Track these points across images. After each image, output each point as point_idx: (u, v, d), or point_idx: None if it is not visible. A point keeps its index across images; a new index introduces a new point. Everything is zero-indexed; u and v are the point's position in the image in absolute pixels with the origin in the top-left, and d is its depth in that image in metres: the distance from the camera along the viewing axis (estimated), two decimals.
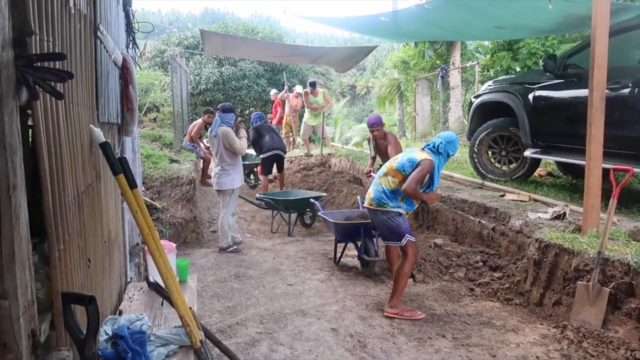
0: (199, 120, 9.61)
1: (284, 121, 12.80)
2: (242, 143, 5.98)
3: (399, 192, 3.97)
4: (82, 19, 2.08)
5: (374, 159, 6.39)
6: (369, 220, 4.98)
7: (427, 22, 6.99)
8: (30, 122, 1.50)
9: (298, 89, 12.76)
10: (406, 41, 13.62)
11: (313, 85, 11.19)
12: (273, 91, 13.81)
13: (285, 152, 8.57)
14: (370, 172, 6.30)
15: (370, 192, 4.16)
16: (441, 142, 4.02)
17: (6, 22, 1.15)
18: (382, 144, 6.06)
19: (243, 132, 6.12)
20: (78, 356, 1.60)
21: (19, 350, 1.15)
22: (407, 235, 3.95)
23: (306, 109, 11.49)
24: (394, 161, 4.11)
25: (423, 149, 4.10)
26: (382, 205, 4.03)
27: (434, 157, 3.99)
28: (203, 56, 15.44)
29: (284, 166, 8.98)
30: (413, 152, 4.09)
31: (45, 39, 1.47)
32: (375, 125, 5.91)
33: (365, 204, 4.26)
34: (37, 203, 1.48)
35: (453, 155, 4.17)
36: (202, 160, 9.45)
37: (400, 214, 4.01)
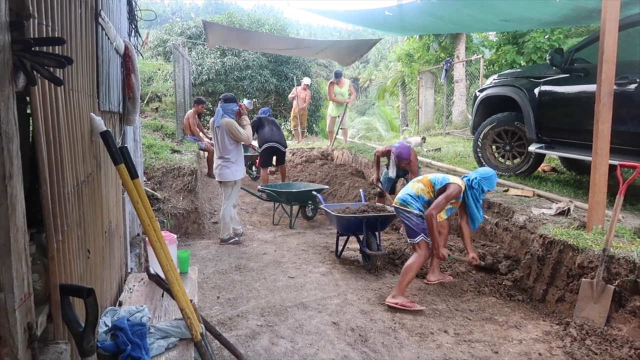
0: (190, 111, 9.58)
1: (292, 114, 12.71)
2: (247, 132, 5.94)
3: (424, 200, 4.17)
4: (82, 3, 2.03)
5: (379, 168, 6.31)
6: (372, 214, 4.97)
7: (432, 16, 6.92)
8: (29, 110, 1.46)
9: (306, 81, 12.64)
10: (410, 34, 13.52)
11: (338, 75, 10.76)
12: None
13: (284, 146, 8.42)
14: (378, 179, 6.21)
15: (400, 193, 4.35)
16: (475, 177, 4.18)
17: (2, 4, 1.10)
18: (404, 168, 5.86)
19: (246, 119, 6.05)
20: (76, 350, 1.57)
21: (14, 344, 1.12)
22: (422, 235, 4.08)
23: (330, 102, 11.22)
24: (430, 174, 4.36)
25: (462, 178, 4.27)
26: (405, 205, 4.21)
27: (468, 189, 4.16)
28: (205, 46, 15.33)
29: (286, 158, 8.89)
30: (450, 176, 4.27)
31: (44, 22, 1.42)
32: (405, 160, 5.65)
33: (393, 204, 4.49)
34: (35, 193, 1.45)
35: (490, 190, 4.27)
36: (206, 152, 9.41)
37: (420, 216, 4.14)
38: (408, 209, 4.17)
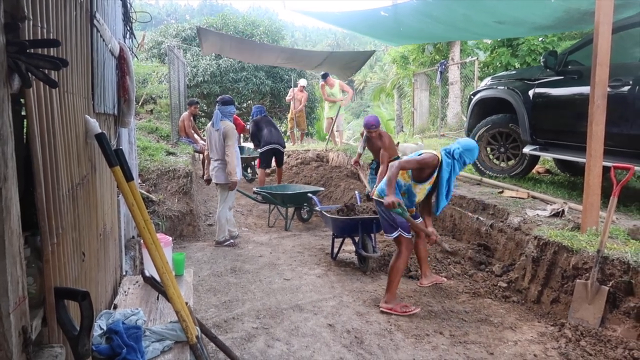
0: (185, 114, 9.58)
1: (288, 116, 12.72)
2: (234, 156, 5.73)
3: (402, 186, 3.98)
4: (77, 5, 2.02)
5: (361, 152, 6.58)
6: (367, 216, 4.97)
7: (427, 16, 6.93)
8: (24, 112, 1.45)
9: (302, 82, 12.68)
10: (406, 43, 13.53)
11: (324, 76, 10.99)
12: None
13: (283, 147, 8.47)
14: (357, 162, 6.45)
15: (379, 185, 4.21)
16: (457, 148, 3.89)
17: None
18: (376, 143, 6.04)
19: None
20: (71, 353, 1.56)
21: (9, 348, 1.11)
22: (399, 229, 3.93)
23: (325, 103, 11.34)
24: (403, 157, 4.15)
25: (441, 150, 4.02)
26: (382, 197, 3.97)
27: (445, 159, 3.84)
28: (200, 50, 15.31)
29: (283, 160, 8.90)
30: (424, 151, 4.04)
31: (39, 25, 1.42)
32: (373, 127, 5.86)
33: (372, 195, 4.29)
34: (30, 195, 1.44)
35: (470, 163, 4.04)
36: (201, 154, 9.39)
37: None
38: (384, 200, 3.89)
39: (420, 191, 4.00)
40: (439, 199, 3.95)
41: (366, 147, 6.48)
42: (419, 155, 3.91)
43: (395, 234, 3.95)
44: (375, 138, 5.96)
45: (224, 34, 12.76)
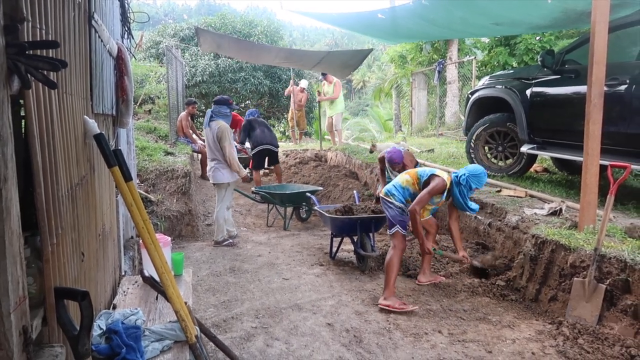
0: (183, 114, 9.58)
1: (288, 116, 12.76)
2: (233, 153, 5.74)
3: (409, 192, 4.18)
4: (76, 7, 2.03)
5: (385, 180, 6.02)
6: (365, 215, 4.98)
7: (424, 19, 6.94)
8: (22, 113, 1.46)
9: (303, 83, 12.73)
10: (403, 42, 13.57)
11: (324, 75, 11.23)
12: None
13: (276, 146, 8.40)
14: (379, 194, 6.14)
15: (387, 185, 4.38)
16: (464, 174, 4.09)
17: None
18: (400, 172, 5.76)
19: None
20: (71, 353, 1.57)
21: (9, 348, 1.12)
22: (397, 226, 4.12)
23: (323, 103, 11.59)
24: (419, 168, 4.37)
25: (450, 174, 4.23)
26: (388, 195, 4.23)
27: (454, 185, 4.10)
28: (199, 48, 15.31)
29: (279, 159, 8.88)
30: (437, 170, 4.26)
31: (38, 26, 1.42)
32: (397, 164, 5.54)
33: (379, 193, 4.52)
34: (30, 196, 1.45)
35: (478, 188, 4.20)
36: (200, 154, 9.39)
37: (401, 209, 4.15)
38: (390, 200, 4.20)
39: (435, 200, 4.27)
40: (463, 206, 4.18)
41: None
42: (431, 174, 4.12)
43: (393, 230, 4.13)
44: (399, 171, 5.57)
45: (222, 34, 12.78)
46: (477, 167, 4.19)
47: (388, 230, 4.26)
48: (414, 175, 4.24)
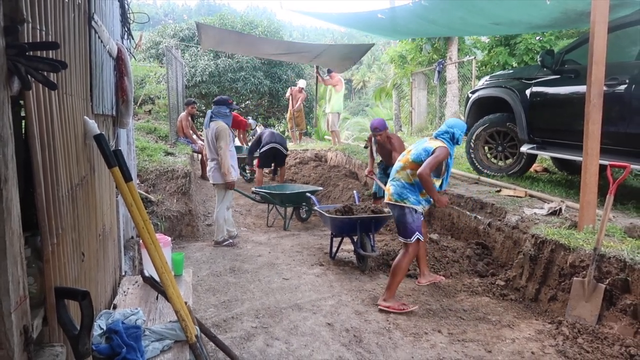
0: (183, 114, 9.60)
1: (288, 116, 12.80)
2: (227, 155, 5.68)
3: (421, 185, 3.93)
4: (76, 7, 2.04)
5: (374, 159, 6.24)
6: (365, 215, 4.99)
7: (424, 19, 6.96)
8: (23, 114, 1.46)
9: (301, 83, 12.76)
10: (403, 38, 13.59)
11: (329, 72, 11.29)
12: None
13: (286, 149, 8.55)
14: (372, 172, 6.19)
15: (390, 188, 4.11)
16: (454, 132, 3.99)
17: None
18: (385, 147, 5.82)
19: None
20: (72, 352, 1.57)
21: (10, 347, 1.12)
22: (417, 233, 3.95)
23: (326, 99, 11.73)
24: (409, 154, 4.06)
25: (436, 137, 4.07)
26: (402, 200, 3.98)
27: (449, 145, 3.99)
28: (199, 48, 15.32)
29: (284, 161, 8.93)
30: (425, 142, 4.07)
31: (38, 27, 1.43)
32: (379, 130, 5.65)
33: (385, 200, 4.22)
34: (30, 196, 1.45)
35: (461, 137, 4.12)
36: (200, 154, 9.40)
37: (416, 211, 3.97)
38: (405, 204, 3.95)
39: (436, 183, 4.05)
40: (445, 180, 4.14)
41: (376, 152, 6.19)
42: (430, 150, 3.90)
43: (414, 238, 3.94)
44: (384, 141, 5.74)
45: (223, 29, 12.80)
46: (455, 119, 4.16)
47: (403, 239, 4.00)
48: (412, 165, 3.96)
